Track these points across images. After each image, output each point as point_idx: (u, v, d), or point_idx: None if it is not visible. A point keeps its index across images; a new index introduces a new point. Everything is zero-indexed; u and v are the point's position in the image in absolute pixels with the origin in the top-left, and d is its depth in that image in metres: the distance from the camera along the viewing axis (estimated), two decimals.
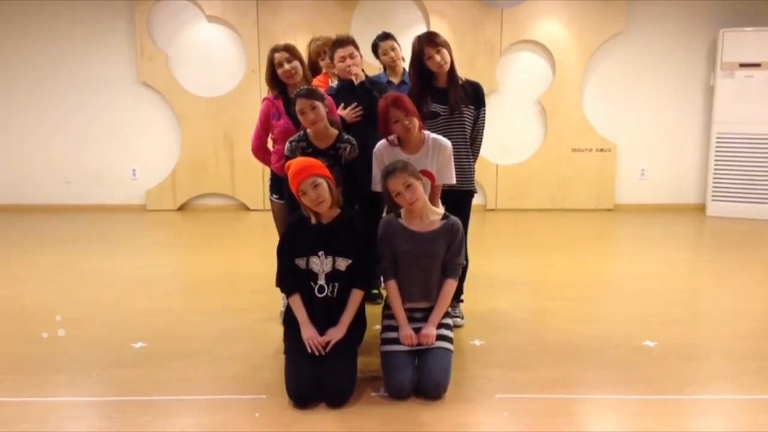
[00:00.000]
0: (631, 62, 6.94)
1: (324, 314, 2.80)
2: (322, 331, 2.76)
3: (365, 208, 3.35)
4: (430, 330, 2.79)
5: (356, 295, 2.83)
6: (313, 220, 2.79)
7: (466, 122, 3.30)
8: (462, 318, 3.48)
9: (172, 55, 6.89)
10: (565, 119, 6.96)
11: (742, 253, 5.22)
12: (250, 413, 2.51)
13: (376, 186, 3.02)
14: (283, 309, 3.54)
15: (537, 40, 6.86)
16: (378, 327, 3.42)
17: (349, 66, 3.42)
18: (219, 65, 6.91)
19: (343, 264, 2.79)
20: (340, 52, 3.45)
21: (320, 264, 2.79)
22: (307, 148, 3.06)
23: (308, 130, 3.08)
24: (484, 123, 3.43)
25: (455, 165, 3.17)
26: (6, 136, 7.04)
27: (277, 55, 3.29)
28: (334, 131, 3.10)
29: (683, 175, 7.17)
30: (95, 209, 7.02)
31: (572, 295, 4.07)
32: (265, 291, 3.89)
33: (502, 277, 4.47)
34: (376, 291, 3.87)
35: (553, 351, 3.15)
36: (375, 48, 3.88)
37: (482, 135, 3.46)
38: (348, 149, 3.08)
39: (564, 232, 6.10)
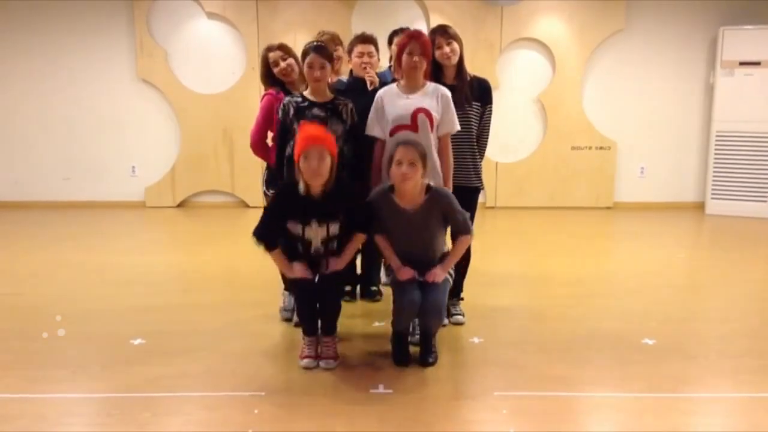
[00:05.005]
0: (631, 60, 6.94)
1: (318, 265, 2.87)
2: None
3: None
4: (440, 272, 2.87)
5: (358, 236, 2.90)
6: (302, 190, 2.78)
7: (472, 120, 3.30)
8: (463, 316, 3.48)
9: (171, 52, 6.89)
10: (565, 117, 6.96)
11: (741, 252, 5.22)
12: (249, 410, 2.51)
13: (372, 130, 3.08)
14: (282, 305, 3.54)
15: (537, 37, 6.86)
16: (377, 324, 3.43)
17: (365, 64, 3.43)
18: (218, 62, 6.91)
19: (337, 228, 2.82)
20: (360, 48, 3.48)
21: (314, 231, 2.82)
22: (302, 102, 3.08)
23: (305, 91, 3.12)
24: (490, 120, 3.43)
25: (460, 162, 3.18)
26: (5, 132, 7.03)
27: (271, 54, 3.32)
28: (331, 94, 3.15)
29: (683, 174, 7.18)
30: (94, 206, 7.02)
31: (571, 292, 4.07)
32: (264, 288, 3.89)
33: (501, 275, 4.47)
34: (375, 288, 3.87)
35: (552, 349, 3.15)
36: (390, 40, 3.89)
37: (488, 132, 3.46)
38: (348, 107, 3.11)
39: (563, 230, 6.10)
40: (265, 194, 3.47)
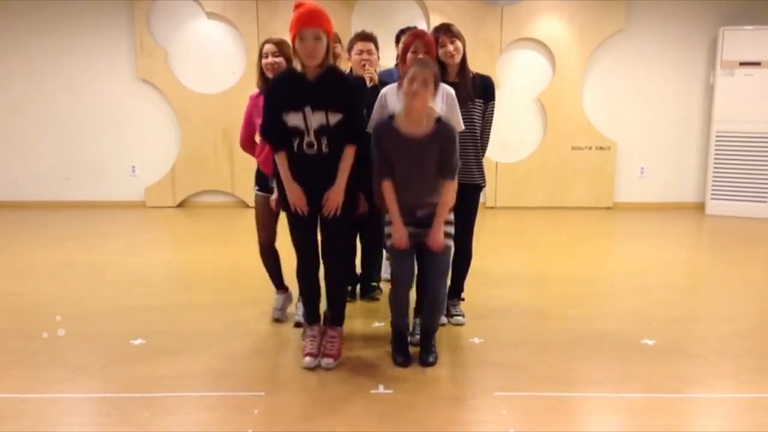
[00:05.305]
0: (632, 60, 6.94)
1: (317, 172, 2.78)
2: (319, 191, 2.78)
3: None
4: (437, 236, 2.82)
5: (349, 151, 2.78)
6: (299, 68, 2.73)
7: (474, 117, 3.29)
8: (463, 316, 3.48)
9: (171, 52, 6.89)
10: (565, 117, 6.97)
11: (741, 252, 5.22)
12: (249, 410, 2.51)
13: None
14: (276, 306, 3.53)
15: (537, 37, 6.86)
16: (377, 324, 3.43)
17: (364, 61, 3.43)
18: (218, 62, 6.91)
19: (332, 119, 2.72)
20: (359, 46, 3.48)
21: (308, 119, 2.71)
22: None
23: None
24: (492, 116, 3.42)
25: (463, 159, 3.17)
26: (5, 132, 7.04)
27: (266, 46, 3.29)
28: None
29: (683, 174, 7.18)
30: (94, 206, 7.02)
31: (571, 293, 4.07)
32: (263, 288, 3.88)
33: (501, 275, 4.48)
34: (374, 284, 3.87)
35: (552, 349, 3.15)
36: (398, 39, 3.90)
37: (490, 128, 3.45)
38: None
39: (563, 230, 6.10)
40: (255, 193, 3.50)
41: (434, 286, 2.89)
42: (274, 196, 3.10)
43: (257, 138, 3.46)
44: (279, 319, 3.49)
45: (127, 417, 2.47)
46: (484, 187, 3.42)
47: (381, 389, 2.70)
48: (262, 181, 3.39)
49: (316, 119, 2.71)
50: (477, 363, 3.01)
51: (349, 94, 2.78)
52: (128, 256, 5.00)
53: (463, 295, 3.54)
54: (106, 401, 2.61)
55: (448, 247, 2.90)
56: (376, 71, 3.50)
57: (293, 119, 2.72)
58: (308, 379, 2.80)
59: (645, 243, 5.53)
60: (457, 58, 3.23)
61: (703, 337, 3.34)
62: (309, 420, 2.46)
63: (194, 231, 6.18)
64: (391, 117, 2.81)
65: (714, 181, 6.78)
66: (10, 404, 2.57)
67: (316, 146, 2.74)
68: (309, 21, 2.66)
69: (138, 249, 5.31)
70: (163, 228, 6.33)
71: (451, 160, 2.83)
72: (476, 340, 3.25)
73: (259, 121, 3.30)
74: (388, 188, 2.84)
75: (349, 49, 3.58)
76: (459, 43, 3.21)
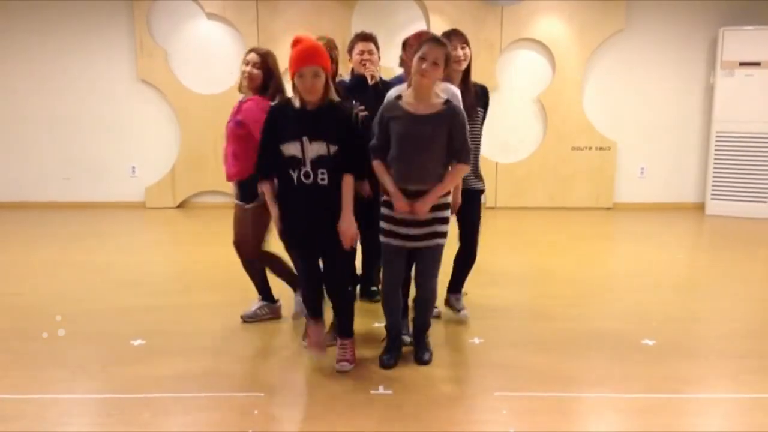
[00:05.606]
0: (632, 60, 6.94)
1: (312, 204, 2.76)
2: (317, 222, 2.76)
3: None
4: (423, 206, 2.76)
5: (348, 180, 2.77)
6: (297, 104, 2.75)
7: (477, 125, 3.33)
8: (467, 310, 3.49)
9: (171, 52, 6.89)
10: (565, 117, 6.97)
11: (741, 252, 5.22)
12: (248, 411, 2.51)
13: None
14: (254, 306, 3.54)
15: (537, 38, 6.86)
16: (377, 324, 3.43)
17: (365, 61, 3.44)
18: (218, 62, 6.91)
19: (332, 149, 2.72)
20: (360, 46, 3.50)
21: (305, 149, 2.71)
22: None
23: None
24: (483, 123, 3.47)
25: None
26: (5, 132, 7.03)
27: (250, 55, 3.25)
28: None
29: (683, 174, 7.18)
30: (94, 206, 7.02)
31: (571, 293, 4.07)
32: None
33: (501, 276, 4.47)
34: (375, 288, 3.87)
35: (552, 349, 3.15)
36: (404, 45, 3.90)
37: (481, 133, 3.49)
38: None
39: (563, 230, 6.10)
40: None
41: (425, 283, 2.90)
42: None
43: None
44: (243, 317, 3.49)
45: (127, 417, 2.47)
46: (484, 191, 3.45)
47: (381, 389, 2.70)
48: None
49: (314, 149, 2.71)
50: (477, 363, 3.01)
51: (345, 125, 2.77)
52: (128, 256, 5.00)
53: (464, 290, 3.55)
54: (106, 401, 2.61)
55: (439, 247, 2.85)
56: (376, 70, 3.52)
57: (291, 149, 2.73)
58: (308, 379, 2.81)
59: (645, 243, 5.53)
60: (464, 65, 3.23)
61: (703, 337, 3.35)
62: (309, 420, 2.46)
63: (194, 231, 6.18)
64: (398, 97, 2.82)
65: (714, 181, 6.77)
66: (10, 404, 2.57)
67: (312, 177, 2.73)
68: (308, 59, 2.68)
69: (138, 249, 5.31)
70: (163, 228, 6.32)
71: (462, 140, 2.80)
72: (476, 340, 3.25)
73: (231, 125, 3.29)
74: (379, 167, 2.84)
75: (350, 50, 3.60)
76: (468, 50, 3.22)
